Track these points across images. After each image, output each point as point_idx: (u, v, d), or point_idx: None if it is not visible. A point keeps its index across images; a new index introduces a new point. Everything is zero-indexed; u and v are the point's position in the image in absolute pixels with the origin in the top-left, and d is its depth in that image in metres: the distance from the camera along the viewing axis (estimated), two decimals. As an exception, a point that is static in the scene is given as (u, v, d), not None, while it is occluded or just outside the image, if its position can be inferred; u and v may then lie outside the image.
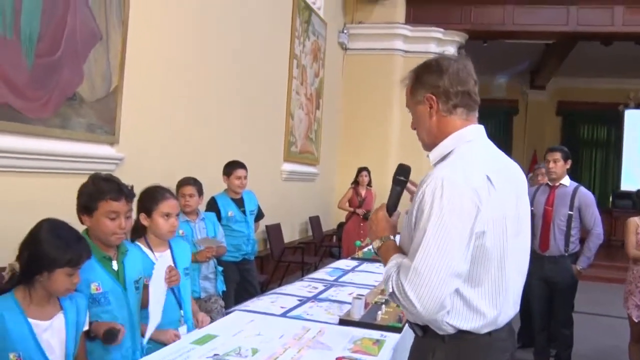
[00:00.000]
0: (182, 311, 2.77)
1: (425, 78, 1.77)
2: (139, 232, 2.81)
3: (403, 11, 10.01)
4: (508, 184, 1.71)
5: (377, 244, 1.82)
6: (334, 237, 9.21)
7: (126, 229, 2.37)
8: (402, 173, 1.88)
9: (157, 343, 2.46)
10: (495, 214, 1.63)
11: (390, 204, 1.87)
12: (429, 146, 1.81)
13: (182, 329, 2.64)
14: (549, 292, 4.58)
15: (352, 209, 7.85)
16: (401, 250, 1.74)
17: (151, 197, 2.77)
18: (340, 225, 8.91)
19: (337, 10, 9.80)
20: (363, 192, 7.88)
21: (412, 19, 10.00)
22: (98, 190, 2.25)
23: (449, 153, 1.72)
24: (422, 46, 9.75)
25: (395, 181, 1.88)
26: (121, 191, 2.29)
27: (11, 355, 1.86)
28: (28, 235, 2.00)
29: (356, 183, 7.92)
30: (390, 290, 1.62)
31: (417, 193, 1.65)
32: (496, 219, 1.64)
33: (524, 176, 1.86)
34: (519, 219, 1.75)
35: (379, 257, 1.82)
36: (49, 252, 1.93)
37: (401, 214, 1.92)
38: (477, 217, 1.58)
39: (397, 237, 1.84)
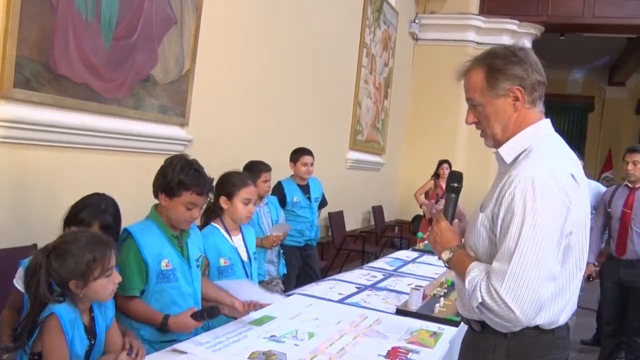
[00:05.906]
0: None
1: (509, 69, 1.66)
2: (213, 213, 2.88)
3: (477, 1, 9.76)
4: (584, 180, 1.67)
5: (446, 255, 1.74)
6: (396, 228, 9.13)
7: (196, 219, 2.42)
8: (456, 179, 1.85)
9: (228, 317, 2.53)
10: (579, 213, 1.60)
11: (448, 213, 1.82)
12: (500, 142, 1.72)
13: None
14: (623, 297, 4.40)
15: (427, 202, 7.36)
16: (475, 258, 1.68)
17: (234, 182, 2.81)
18: (416, 218, 8.77)
19: (410, 0, 9.67)
20: (444, 185, 7.58)
21: (486, 10, 9.75)
22: (188, 180, 2.24)
23: (525, 150, 1.66)
24: (495, 38, 9.44)
25: (450, 189, 1.85)
26: (206, 187, 2.31)
27: None
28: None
29: (437, 176, 7.50)
30: (480, 300, 1.56)
31: (503, 193, 1.59)
32: (580, 217, 1.61)
33: None
34: (588, 214, 1.70)
35: (451, 268, 1.77)
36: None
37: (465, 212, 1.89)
38: (567, 218, 1.55)
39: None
